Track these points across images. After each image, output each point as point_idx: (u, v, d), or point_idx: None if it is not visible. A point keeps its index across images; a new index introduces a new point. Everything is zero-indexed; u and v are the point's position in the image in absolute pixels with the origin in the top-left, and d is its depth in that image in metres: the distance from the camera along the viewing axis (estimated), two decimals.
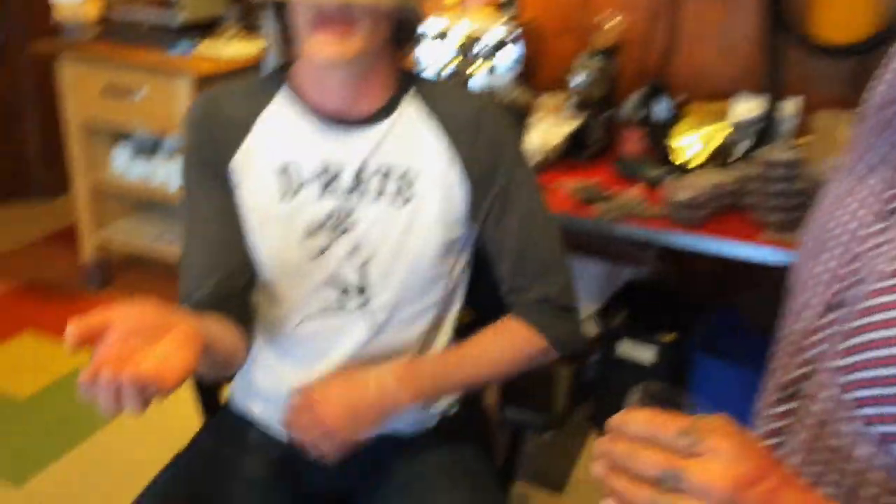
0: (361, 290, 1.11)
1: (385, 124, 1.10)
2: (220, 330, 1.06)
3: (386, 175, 1.09)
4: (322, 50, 0.98)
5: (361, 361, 1.14)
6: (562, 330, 1.15)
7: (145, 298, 0.79)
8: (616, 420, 0.58)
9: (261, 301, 1.16)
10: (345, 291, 1.11)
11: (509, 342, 1.14)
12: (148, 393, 0.73)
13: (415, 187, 1.10)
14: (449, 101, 1.13)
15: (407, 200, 1.09)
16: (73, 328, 0.73)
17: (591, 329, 2.26)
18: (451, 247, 1.14)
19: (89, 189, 2.78)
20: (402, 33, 1.08)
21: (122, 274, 3.02)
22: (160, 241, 2.81)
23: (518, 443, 1.29)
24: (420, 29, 1.11)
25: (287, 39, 1.10)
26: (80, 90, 2.62)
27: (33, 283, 2.96)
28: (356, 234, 1.09)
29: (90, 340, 0.74)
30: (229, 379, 1.26)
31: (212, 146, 1.10)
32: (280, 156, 1.09)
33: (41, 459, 2.08)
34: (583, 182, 1.99)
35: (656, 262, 2.46)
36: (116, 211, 2.93)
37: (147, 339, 0.75)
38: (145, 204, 2.99)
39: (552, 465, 2.11)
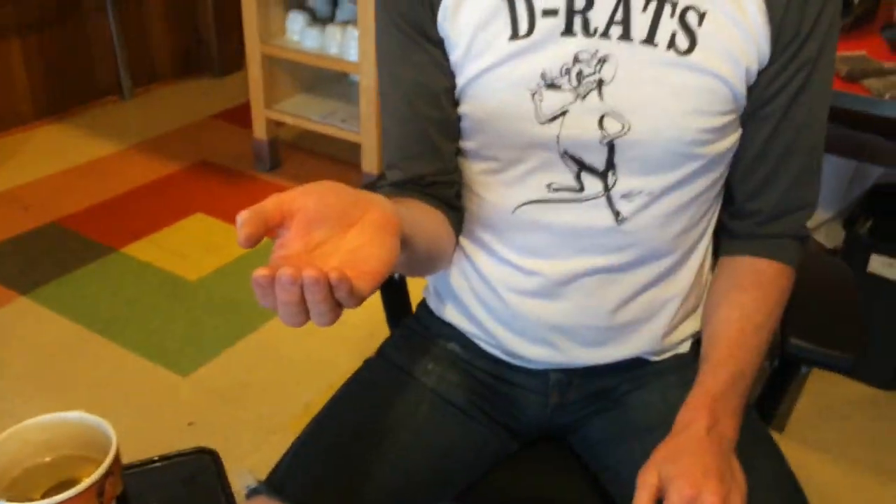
0: (605, 172, 0.82)
1: None
2: (424, 217, 0.82)
3: (659, 8, 0.76)
4: None
5: (594, 267, 0.85)
6: (800, 258, 0.89)
7: (327, 180, 0.60)
8: None
9: (470, 180, 0.89)
10: (582, 171, 0.82)
11: (775, 298, 0.86)
12: (339, 297, 0.54)
13: (701, 30, 0.77)
14: None
15: (688, 50, 0.77)
16: (246, 218, 0.54)
17: (832, 239, 1.86)
18: (731, 123, 0.81)
19: (263, 60, 2.64)
20: None
21: (291, 155, 2.90)
22: (331, 119, 2.64)
23: (786, 380, 0.98)
24: None
25: None
26: None
27: (204, 163, 2.88)
28: (609, 91, 0.78)
29: (266, 232, 0.55)
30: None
31: None
32: None
33: (209, 348, 1.99)
34: (845, 54, 1.59)
35: None
36: (289, 87, 2.79)
37: (334, 228, 0.58)
38: (317, 81, 2.83)
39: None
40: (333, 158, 2.86)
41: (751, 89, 0.80)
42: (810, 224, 1.85)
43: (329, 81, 2.85)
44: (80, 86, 3.21)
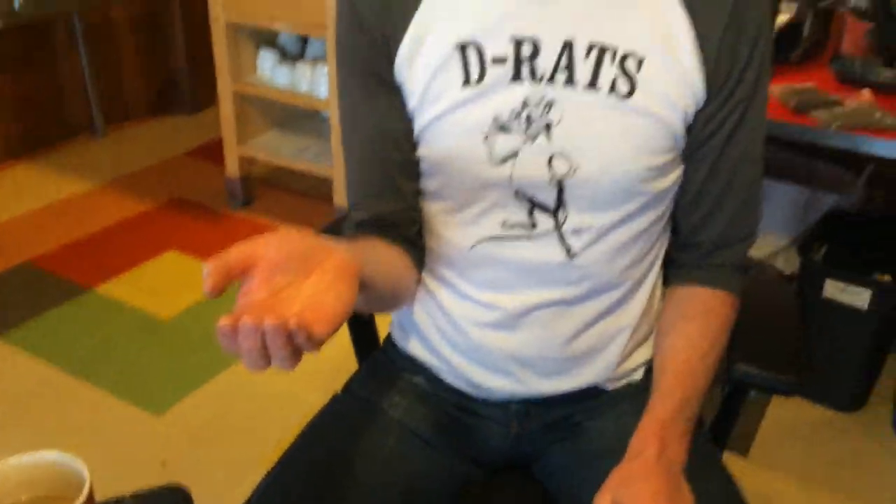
0: (556, 209, 0.86)
1: None
2: (385, 257, 0.87)
3: (601, 56, 0.82)
4: None
5: (549, 300, 0.90)
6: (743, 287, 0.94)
7: (291, 226, 0.62)
8: None
9: (430, 219, 0.93)
10: (534, 209, 0.86)
11: (720, 326, 0.91)
12: (298, 342, 0.57)
13: (640, 75, 0.82)
14: None
15: (629, 94, 0.82)
16: (211, 269, 0.58)
17: (790, 265, 1.92)
18: (672, 161, 0.86)
19: (235, 97, 2.68)
20: None
21: (264, 191, 2.93)
22: (303, 155, 2.69)
23: (736, 404, 1.02)
24: None
25: None
26: None
27: (177, 200, 2.91)
28: (557, 133, 0.83)
29: (230, 281, 0.59)
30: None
31: (373, 32, 0.85)
32: (461, 26, 0.83)
33: (182, 387, 2.00)
34: (794, 86, 1.65)
35: (865, 187, 2.08)
36: (261, 124, 2.83)
37: (295, 275, 0.61)
38: (289, 118, 2.88)
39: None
40: (306, 193, 2.90)
41: (689, 129, 0.85)
42: (768, 251, 1.91)
43: (300, 118, 2.89)
44: (52, 124, 3.23)
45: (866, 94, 1.61)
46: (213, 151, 3.12)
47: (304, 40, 2.73)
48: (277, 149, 2.75)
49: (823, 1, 1.83)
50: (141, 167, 3.15)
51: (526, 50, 0.82)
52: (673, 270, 0.96)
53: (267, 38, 2.72)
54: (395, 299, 0.91)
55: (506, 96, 0.83)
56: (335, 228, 1.09)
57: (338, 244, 0.65)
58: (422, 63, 0.84)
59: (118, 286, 2.39)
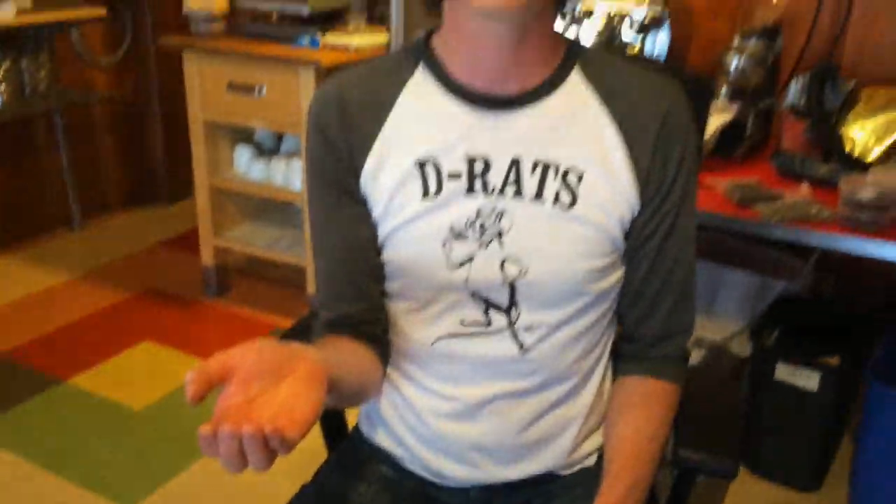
0: (509, 308, 0.94)
1: (546, 106, 0.91)
2: (352, 356, 0.93)
3: (545, 172, 0.91)
4: None
5: (504, 392, 0.97)
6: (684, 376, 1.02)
7: (264, 338, 0.72)
8: None
9: (394, 318, 1.00)
10: (489, 308, 0.94)
11: (664, 414, 0.98)
12: (273, 446, 0.64)
13: (580, 188, 0.91)
14: (627, 86, 0.93)
15: (571, 204, 0.91)
16: (192, 378, 0.64)
17: (744, 349, 2.01)
18: (613, 264, 0.95)
19: (211, 191, 2.77)
20: None
21: (238, 280, 2.99)
22: (278, 245, 2.77)
23: (685, 487, 1.08)
24: None
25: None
26: (205, 86, 2.61)
27: (152, 291, 2.95)
28: (508, 240, 0.91)
29: (211, 389, 0.66)
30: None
31: (340, 150, 0.94)
32: (421, 146, 0.92)
33: (154, 479, 2.01)
34: (738, 181, 1.77)
35: (812, 273, 2.18)
36: (236, 216, 2.91)
37: (269, 381, 0.68)
38: (263, 209, 2.97)
39: None
40: (280, 282, 2.96)
41: (626, 235, 0.94)
42: (724, 335, 2.00)
43: (274, 209, 2.98)
44: (30, 218, 3.28)
45: (805, 188, 1.73)
46: (188, 242, 3.19)
47: (279, 136, 2.85)
48: (252, 239, 2.83)
49: (763, 101, 1.97)
50: (117, 258, 3.20)
51: (478, 167, 0.91)
52: (620, 361, 1.03)
53: (243, 135, 2.83)
54: (362, 395, 0.98)
55: (461, 207, 0.91)
56: (304, 326, 1.15)
57: (308, 350, 0.72)
58: (385, 178, 0.93)
59: (92, 378, 2.41)
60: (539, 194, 0.91)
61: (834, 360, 1.94)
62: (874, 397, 1.79)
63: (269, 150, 2.84)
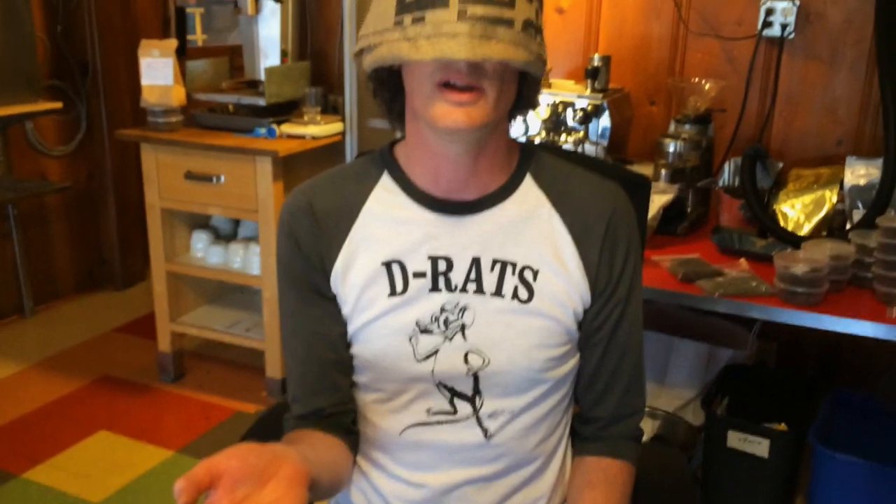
0: (473, 396, 0.99)
1: (503, 209, 0.99)
2: (326, 451, 0.97)
3: (503, 269, 0.98)
4: (448, 115, 0.87)
5: (470, 478, 1.01)
6: (638, 455, 1.08)
7: (247, 443, 0.77)
8: None
9: (364, 408, 1.05)
10: (454, 397, 1.00)
11: (621, 491, 1.04)
12: None
13: (536, 284, 0.98)
14: (576, 190, 1.02)
15: (528, 299, 0.98)
16: (182, 487, 0.68)
17: (698, 417, 2.08)
18: (568, 352, 1.02)
19: (168, 277, 2.78)
20: (523, 99, 0.97)
21: (195, 364, 2.98)
22: (236, 328, 2.78)
23: None
24: (538, 94, 1.00)
25: (392, 113, 1.00)
26: (163, 176, 2.65)
27: (107, 378, 2.92)
28: (470, 333, 0.98)
29: (200, 493, 0.70)
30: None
31: (311, 255, 1.00)
32: (387, 247, 0.99)
33: None
34: (681, 258, 1.87)
35: (756, 342, 2.28)
36: (193, 300, 2.92)
37: (254, 485, 0.72)
38: (221, 293, 2.99)
39: None
40: (238, 365, 2.96)
41: (580, 325, 1.02)
42: (678, 404, 2.07)
43: (232, 292, 3.00)
44: None
45: (743, 263, 1.84)
46: (143, 326, 3.17)
47: (236, 222, 2.89)
48: (210, 323, 2.83)
49: (701, 181, 2.10)
50: (70, 346, 3.16)
51: (441, 265, 0.98)
52: (578, 442, 1.09)
53: (200, 221, 2.86)
54: (337, 487, 1.01)
55: (426, 303, 0.98)
56: (271, 417, 1.18)
57: (289, 452, 0.77)
58: (354, 277, 0.99)
59: (46, 471, 2.36)
60: (498, 290, 0.98)
61: (781, 426, 2.02)
62: (819, 461, 1.87)
63: (226, 234, 2.88)
